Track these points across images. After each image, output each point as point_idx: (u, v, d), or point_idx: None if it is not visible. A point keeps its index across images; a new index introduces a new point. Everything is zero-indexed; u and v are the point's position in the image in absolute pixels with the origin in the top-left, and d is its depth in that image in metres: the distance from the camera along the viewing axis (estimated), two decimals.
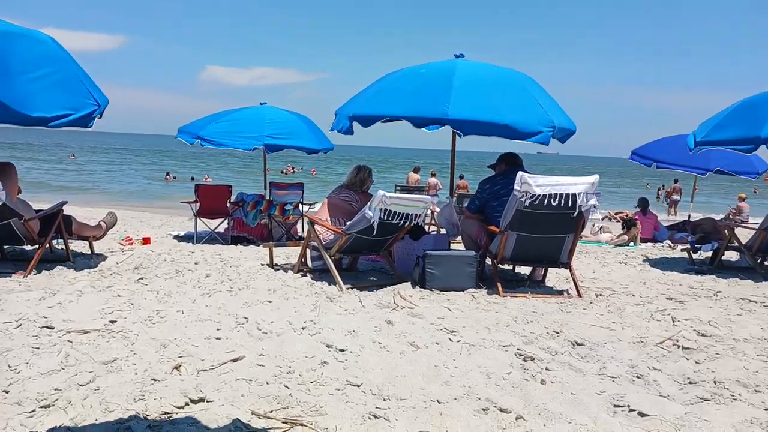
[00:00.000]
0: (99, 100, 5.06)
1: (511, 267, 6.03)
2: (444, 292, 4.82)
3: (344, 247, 5.17)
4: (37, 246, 5.10)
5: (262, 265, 5.93)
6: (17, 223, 4.77)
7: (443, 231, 6.58)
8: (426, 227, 7.02)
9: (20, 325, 3.37)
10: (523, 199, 4.68)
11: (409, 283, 5.15)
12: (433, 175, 18.51)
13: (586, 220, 4.98)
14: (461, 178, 18.62)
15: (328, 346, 3.30)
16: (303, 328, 3.65)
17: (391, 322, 3.86)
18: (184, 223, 10.50)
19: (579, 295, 4.98)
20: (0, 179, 4.76)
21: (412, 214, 5.08)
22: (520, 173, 4.71)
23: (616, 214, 16.00)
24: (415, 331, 3.70)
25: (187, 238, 8.40)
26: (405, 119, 5.27)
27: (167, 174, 34.15)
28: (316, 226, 5.34)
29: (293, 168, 40.21)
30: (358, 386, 2.75)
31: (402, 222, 5.05)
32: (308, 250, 5.65)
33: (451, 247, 5.85)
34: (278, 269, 5.70)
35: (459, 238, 6.00)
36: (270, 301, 4.33)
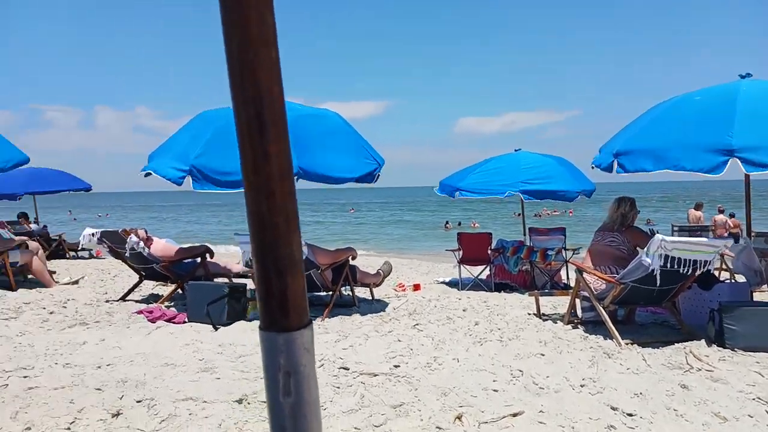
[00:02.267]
0: (378, 160, 5.75)
1: None
2: (752, 353, 4.10)
3: (619, 298, 4.79)
4: (330, 292, 5.80)
5: (529, 314, 5.81)
6: (316, 273, 5.51)
7: (741, 279, 5.67)
8: (716, 274, 6.14)
9: (322, 365, 3.83)
10: None
11: (703, 340, 4.51)
12: (720, 211, 16.11)
13: None
14: (720, 212, 15.85)
15: (613, 409, 3.04)
16: (582, 386, 3.44)
17: (686, 387, 3.41)
18: (448, 270, 10.95)
19: None
20: None
21: (699, 261, 4.48)
22: None
23: None
24: (719, 398, 3.20)
25: (453, 284, 8.72)
26: (676, 169, 4.75)
27: (446, 223, 35.01)
28: (585, 275, 5.06)
29: (549, 211, 39.11)
30: None
31: (688, 270, 4.49)
32: (578, 300, 5.37)
33: (754, 299, 4.99)
34: (546, 319, 5.52)
35: (764, 288, 5.10)
36: (542, 354, 4.19)
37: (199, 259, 6.30)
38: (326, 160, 5.37)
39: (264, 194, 0.80)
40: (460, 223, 33.00)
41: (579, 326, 5.19)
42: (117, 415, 2.83)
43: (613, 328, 4.64)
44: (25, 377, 3.43)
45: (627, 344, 4.49)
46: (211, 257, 6.46)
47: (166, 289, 7.05)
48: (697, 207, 16.47)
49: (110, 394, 3.09)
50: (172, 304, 6.08)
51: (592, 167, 5.63)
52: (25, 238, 8.11)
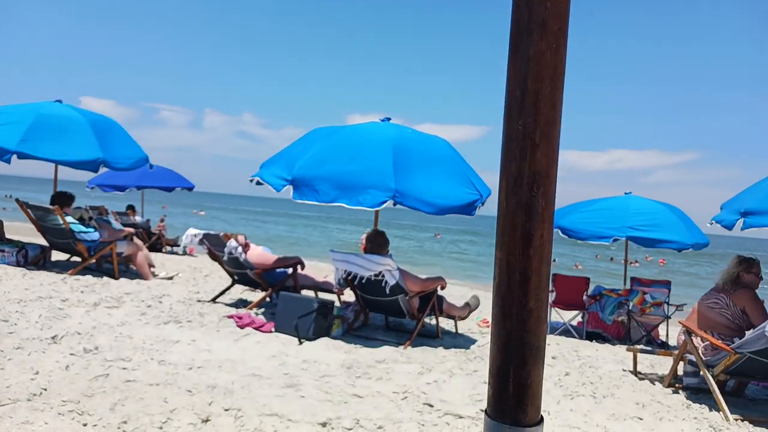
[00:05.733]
0: (481, 191, 5.57)
1: None
2: None
3: (731, 368, 4.36)
4: (414, 320, 5.70)
5: (624, 370, 5.44)
6: (403, 299, 5.43)
7: None
8: None
9: (406, 398, 3.72)
10: None
11: None
12: None
13: None
14: None
15: None
16: None
17: None
18: None
19: None
20: (379, 251, 5.56)
21: None
22: None
23: None
24: None
25: None
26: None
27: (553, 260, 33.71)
28: (693, 338, 4.67)
29: (650, 257, 37.07)
30: None
31: None
32: (681, 363, 4.96)
33: None
34: (643, 378, 5.14)
35: None
36: (641, 418, 3.88)
37: (290, 270, 6.40)
38: (427, 187, 5.26)
39: (520, 277, 0.75)
40: (554, 261, 31.82)
41: (680, 391, 4.78)
42: (206, 421, 2.86)
43: (722, 400, 4.22)
44: (123, 369, 3.57)
45: (737, 420, 4.07)
46: (302, 269, 6.55)
47: (254, 295, 7.23)
48: None
49: (200, 399, 3.15)
50: (261, 311, 6.20)
51: (710, 224, 5.24)
52: (132, 229, 8.61)
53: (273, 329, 5.25)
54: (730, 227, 5.04)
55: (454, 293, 10.42)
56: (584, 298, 8.09)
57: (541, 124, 0.72)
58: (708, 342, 4.62)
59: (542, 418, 0.78)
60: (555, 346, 6.48)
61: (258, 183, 5.77)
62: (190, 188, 14.31)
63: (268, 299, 6.52)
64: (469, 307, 6.60)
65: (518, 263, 0.76)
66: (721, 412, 4.17)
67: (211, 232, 6.49)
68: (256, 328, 5.21)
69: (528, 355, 0.76)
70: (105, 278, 7.05)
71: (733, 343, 4.45)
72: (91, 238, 7.25)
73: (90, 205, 11.64)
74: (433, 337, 5.91)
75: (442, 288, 5.90)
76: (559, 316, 8.33)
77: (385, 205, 5.16)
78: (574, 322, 8.27)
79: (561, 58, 0.72)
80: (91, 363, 3.64)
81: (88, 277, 6.93)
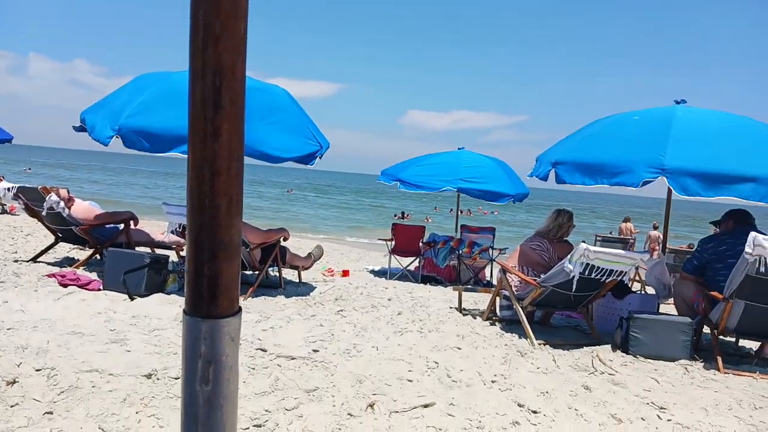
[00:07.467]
0: (321, 142, 5.64)
1: (733, 339, 5.26)
2: (650, 360, 4.35)
3: (538, 300, 4.96)
4: (256, 272, 5.70)
5: (451, 308, 5.94)
6: (244, 251, 5.40)
7: (651, 291, 6.00)
8: (630, 284, 6.46)
9: (240, 344, 3.76)
10: (756, 264, 4.07)
11: (609, 345, 4.75)
12: (655, 227, 17.20)
13: None
14: (655, 228, 17.11)
15: (519, 405, 3.16)
16: (493, 382, 3.55)
17: (588, 388, 3.58)
18: (378, 259, 11.03)
19: None
20: None
21: (616, 271, 4.71)
22: (753, 234, 4.12)
23: None
24: (617, 401, 3.38)
25: (381, 273, 8.79)
26: (608, 184, 4.95)
27: (403, 214, 34.24)
28: (508, 275, 5.21)
29: (485, 210, 40.09)
30: None
31: (605, 278, 4.71)
32: (498, 298, 5.53)
33: (660, 311, 5.29)
34: (466, 314, 5.65)
35: (670, 301, 5.41)
36: (459, 348, 4.29)
37: (122, 226, 6.04)
38: (266, 136, 5.21)
39: (209, 173, 0.76)
40: (404, 215, 32.97)
41: (496, 324, 5.34)
42: (12, 383, 2.68)
43: (529, 328, 4.80)
44: None
45: (540, 344, 4.66)
46: (135, 224, 6.22)
47: (83, 254, 6.74)
48: (627, 220, 17.72)
49: (7, 360, 2.93)
50: (90, 270, 5.81)
51: (529, 177, 5.79)
52: None
53: (101, 287, 4.96)
54: (545, 178, 5.61)
55: (303, 246, 10.54)
56: (420, 245, 8.62)
57: (222, 15, 0.74)
58: (520, 278, 5.19)
59: (240, 309, 0.85)
60: (392, 289, 6.87)
61: (81, 130, 5.33)
62: (8, 140, 12.78)
63: (98, 257, 6.12)
64: (313, 257, 6.74)
65: (207, 160, 0.79)
66: (528, 339, 4.74)
67: (27, 186, 5.90)
68: (81, 286, 4.90)
69: (219, 250, 0.81)
70: None
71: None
72: None
73: None
74: (275, 288, 5.97)
75: (285, 239, 5.95)
76: (398, 262, 8.80)
77: None
78: (412, 268, 8.79)
79: None
80: None
81: None
